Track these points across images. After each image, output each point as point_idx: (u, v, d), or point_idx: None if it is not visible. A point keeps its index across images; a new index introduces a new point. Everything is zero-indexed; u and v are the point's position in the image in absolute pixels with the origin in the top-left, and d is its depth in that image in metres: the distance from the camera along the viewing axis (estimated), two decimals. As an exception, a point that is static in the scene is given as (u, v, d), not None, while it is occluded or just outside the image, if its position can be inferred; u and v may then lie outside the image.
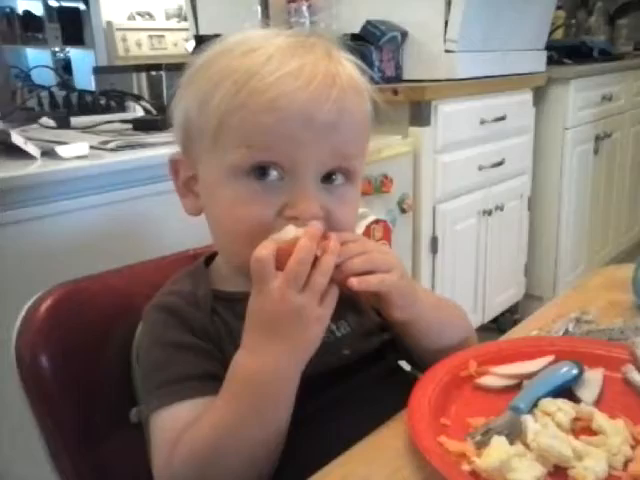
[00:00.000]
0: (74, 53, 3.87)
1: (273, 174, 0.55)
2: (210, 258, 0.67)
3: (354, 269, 0.54)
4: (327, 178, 0.57)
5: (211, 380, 0.55)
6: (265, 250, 0.50)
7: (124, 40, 3.70)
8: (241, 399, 0.52)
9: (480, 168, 2.00)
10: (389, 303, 0.57)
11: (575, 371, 0.56)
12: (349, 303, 0.58)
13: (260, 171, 0.55)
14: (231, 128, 0.55)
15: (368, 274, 0.54)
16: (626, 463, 0.46)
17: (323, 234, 0.54)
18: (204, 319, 0.59)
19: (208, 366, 0.56)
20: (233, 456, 0.51)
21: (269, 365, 0.51)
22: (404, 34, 1.87)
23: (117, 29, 3.69)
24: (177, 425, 0.53)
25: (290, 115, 0.53)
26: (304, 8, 1.95)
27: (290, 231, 0.52)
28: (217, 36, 0.61)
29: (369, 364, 0.63)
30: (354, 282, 0.53)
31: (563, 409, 0.51)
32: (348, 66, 0.58)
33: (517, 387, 0.56)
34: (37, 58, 3.69)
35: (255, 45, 0.56)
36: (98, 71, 2.75)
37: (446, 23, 1.82)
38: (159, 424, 0.55)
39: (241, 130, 0.54)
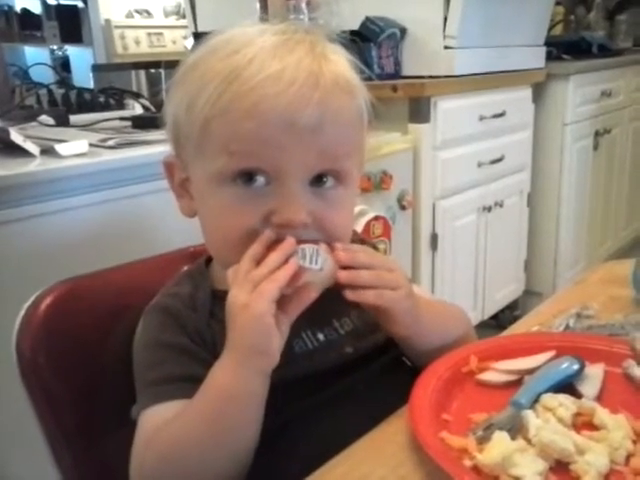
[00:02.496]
0: (72, 51, 3.86)
1: (260, 180, 0.54)
2: (211, 256, 0.67)
3: (360, 282, 0.54)
4: (317, 181, 0.56)
5: (200, 383, 0.55)
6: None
7: (122, 38, 3.70)
8: (205, 405, 0.52)
9: (479, 164, 2.00)
10: (390, 318, 0.57)
11: (576, 366, 0.57)
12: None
13: (246, 177, 0.54)
14: (213, 134, 0.54)
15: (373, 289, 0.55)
16: (628, 458, 0.46)
17: (329, 245, 0.54)
18: (201, 322, 0.59)
19: (198, 369, 0.56)
20: (197, 462, 0.51)
21: (221, 368, 0.52)
22: (403, 30, 1.86)
23: (115, 27, 3.68)
24: (156, 424, 0.54)
25: (270, 120, 0.52)
26: (303, 5, 1.94)
27: None
28: (216, 34, 0.61)
29: (372, 361, 0.63)
30: (348, 293, 0.54)
31: (564, 404, 0.51)
32: (336, 62, 0.56)
33: (518, 383, 0.56)
34: (35, 56, 3.68)
35: (238, 46, 0.55)
36: (97, 69, 2.75)
37: (445, 19, 1.81)
38: (142, 422, 0.55)
39: (222, 136, 0.53)
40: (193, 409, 0.53)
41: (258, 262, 0.52)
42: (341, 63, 0.57)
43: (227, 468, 0.52)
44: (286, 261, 0.51)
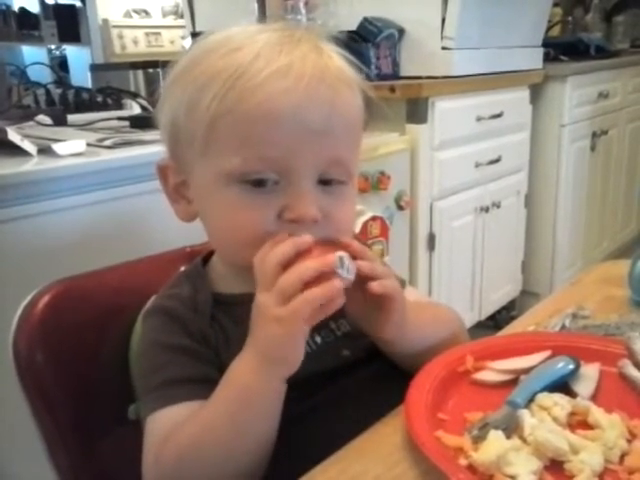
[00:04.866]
0: (70, 50, 3.85)
1: (269, 179, 0.54)
2: (207, 257, 0.67)
3: (376, 273, 0.54)
4: (324, 178, 0.56)
5: (207, 383, 0.55)
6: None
7: (120, 37, 3.69)
8: (226, 402, 0.52)
9: (477, 165, 2.01)
10: (387, 314, 0.56)
11: (571, 366, 0.57)
12: None
13: (255, 176, 0.54)
14: (222, 134, 0.53)
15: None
16: (622, 457, 0.47)
17: (335, 242, 0.54)
18: (203, 323, 0.59)
19: (204, 369, 0.56)
20: (217, 459, 0.51)
21: (243, 367, 0.51)
22: (401, 31, 1.86)
23: (113, 26, 3.67)
24: (168, 427, 0.53)
25: (282, 123, 0.52)
26: (301, 5, 1.95)
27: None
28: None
29: (368, 362, 0.63)
30: (374, 285, 0.53)
31: (560, 403, 0.51)
32: (337, 59, 0.57)
33: (514, 382, 0.57)
34: (33, 55, 3.67)
35: (240, 43, 0.54)
36: (94, 68, 2.75)
37: (443, 20, 1.82)
38: (152, 425, 0.55)
39: (232, 137, 0.53)
40: (213, 408, 0.52)
41: (285, 266, 0.50)
42: (340, 59, 0.58)
43: (247, 465, 0.52)
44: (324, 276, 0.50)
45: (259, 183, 0.54)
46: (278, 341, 0.50)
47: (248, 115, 0.52)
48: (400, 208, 1.74)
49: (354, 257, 0.53)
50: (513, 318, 2.11)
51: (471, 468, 0.45)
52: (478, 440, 0.48)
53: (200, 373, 0.56)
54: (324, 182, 0.56)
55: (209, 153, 0.55)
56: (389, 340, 0.59)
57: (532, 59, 2.23)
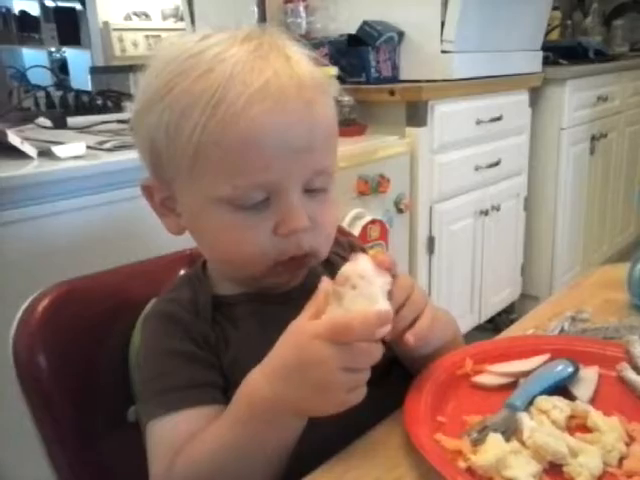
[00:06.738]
0: (70, 53, 3.85)
1: (259, 199, 0.55)
2: (207, 260, 0.67)
3: (406, 323, 0.53)
4: (308, 186, 0.57)
5: (210, 389, 0.55)
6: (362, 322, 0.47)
7: (121, 40, 3.69)
8: (246, 425, 0.50)
9: (476, 168, 2.01)
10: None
11: (570, 369, 0.57)
12: None
13: (247, 201, 0.55)
14: (209, 164, 0.54)
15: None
16: (621, 460, 0.47)
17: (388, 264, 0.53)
18: (205, 327, 0.59)
19: (208, 375, 0.56)
20: (236, 476, 0.51)
21: (279, 401, 0.49)
22: (401, 34, 1.87)
23: (113, 29, 3.67)
24: (176, 435, 0.53)
25: (268, 147, 0.53)
26: (301, 8, 1.95)
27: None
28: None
29: None
30: (411, 340, 0.53)
31: (559, 407, 0.52)
32: (305, 63, 0.57)
33: (513, 385, 0.57)
34: (33, 58, 3.67)
35: (210, 63, 0.53)
36: (95, 71, 2.75)
37: (442, 24, 1.82)
38: (158, 432, 0.54)
39: (221, 168, 0.53)
40: (229, 424, 0.51)
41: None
42: (308, 62, 0.58)
43: (266, 475, 0.52)
44: None
45: (248, 202, 0.55)
46: (330, 413, 0.49)
47: (234, 145, 0.52)
48: (400, 211, 1.74)
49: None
50: (512, 321, 2.11)
51: (470, 471, 0.45)
52: (477, 443, 0.48)
53: (201, 378, 0.56)
54: (308, 189, 0.57)
55: (196, 178, 0.55)
56: (414, 348, 0.57)
57: (531, 62, 2.23)
